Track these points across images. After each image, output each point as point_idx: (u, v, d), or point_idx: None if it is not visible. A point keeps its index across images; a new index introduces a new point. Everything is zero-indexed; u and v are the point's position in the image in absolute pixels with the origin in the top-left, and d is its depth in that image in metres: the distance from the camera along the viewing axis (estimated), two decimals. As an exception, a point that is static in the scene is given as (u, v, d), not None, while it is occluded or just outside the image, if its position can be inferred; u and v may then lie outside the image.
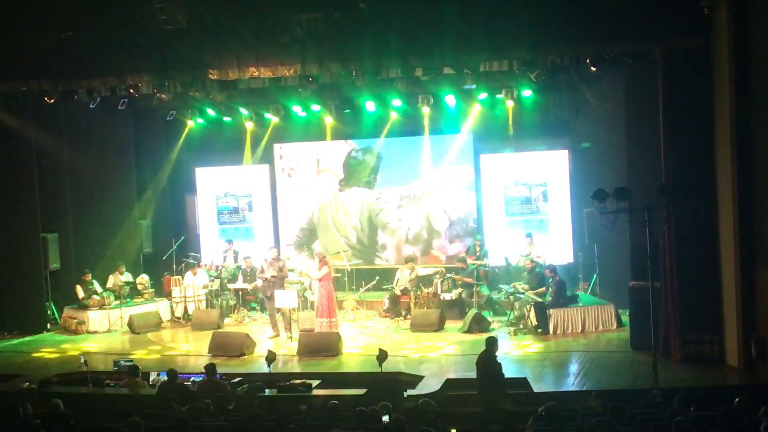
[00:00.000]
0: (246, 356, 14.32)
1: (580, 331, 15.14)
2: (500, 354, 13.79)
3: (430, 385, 12.14)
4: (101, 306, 17.18)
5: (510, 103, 17.28)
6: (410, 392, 11.63)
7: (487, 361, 10.63)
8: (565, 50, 13.64)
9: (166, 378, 11.62)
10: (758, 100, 11.69)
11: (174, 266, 18.62)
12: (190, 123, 19.49)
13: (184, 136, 19.88)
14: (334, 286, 16.32)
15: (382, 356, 11.80)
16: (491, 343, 10.79)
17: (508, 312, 16.12)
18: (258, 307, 17.88)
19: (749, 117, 11.90)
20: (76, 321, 17.00)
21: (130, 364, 12.58)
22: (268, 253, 16.88)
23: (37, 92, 15.35)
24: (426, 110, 17.84)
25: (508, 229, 18.08)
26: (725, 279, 12.54)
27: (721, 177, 12.51)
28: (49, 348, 15.90)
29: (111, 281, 17.74)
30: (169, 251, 18.94)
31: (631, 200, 11.44)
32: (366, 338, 15.54)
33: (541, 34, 13.03)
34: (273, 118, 18.93)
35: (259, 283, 17.40)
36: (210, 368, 11.37)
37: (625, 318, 14.73)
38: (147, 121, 19.70)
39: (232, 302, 17.92)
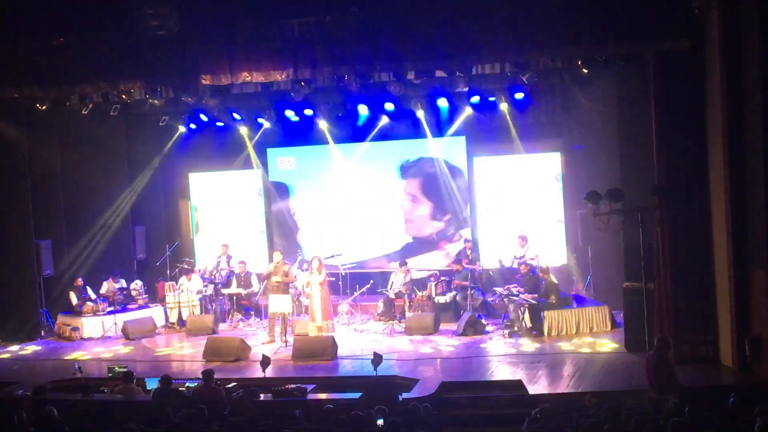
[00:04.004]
0: (241, 361, 14.28)
1: (574, 332, 15.14)
2: (495, 356, 13.97)
3: (425, 388, 12.13)
4: (95, 312, 17.10)
5: (502, 106, 17.34)
6: (405, 395, 11.60)
7: (657, 360, 10.68)
8: (557, 52, 13.63)
9: (160, 384, 11.60)
10: (750, 101, 11.70)
11: (168, 272, 18.61)
12: (182, 128, 19.47)
13: (172, 139, 19.89)
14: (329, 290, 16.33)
15: (377, 360, 11.79)
16: (662, 342, 10.85)
17: (503, 314, 16.13)
18: (253, 312, 17.85)
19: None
20: (69, 328, 16.94)
21: (125, 370, 12.55)
22: (274, 257, 16.84)
23: (29, 99, 15.30)
24: (419, 113, 17.88)
25: (501, 231, 18.07)
26: (719, 279, 12.53)
27: (714, 177, 12.50)
28: (43, 355, 15.85)
29: (105, 287, 17.67)
30: (163, 257, 18.95)
31: (624, 201, 11.50)
32: (361, 342, 15.52)
33: (533, 36, 13.02)
34: (266, 123, 18.94)
35: (255, 288, 17.45)
36: (207, 374, 11.35)
37: (620, 319, 14.78)
38: (139, 126, 19.66)
39: (226, 307, 17.90)
